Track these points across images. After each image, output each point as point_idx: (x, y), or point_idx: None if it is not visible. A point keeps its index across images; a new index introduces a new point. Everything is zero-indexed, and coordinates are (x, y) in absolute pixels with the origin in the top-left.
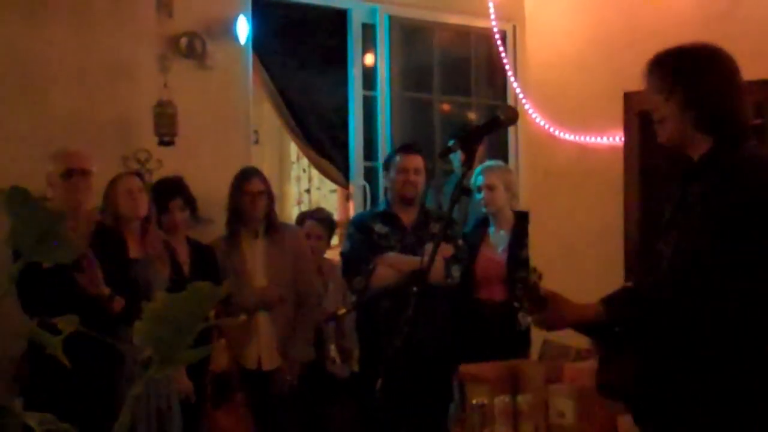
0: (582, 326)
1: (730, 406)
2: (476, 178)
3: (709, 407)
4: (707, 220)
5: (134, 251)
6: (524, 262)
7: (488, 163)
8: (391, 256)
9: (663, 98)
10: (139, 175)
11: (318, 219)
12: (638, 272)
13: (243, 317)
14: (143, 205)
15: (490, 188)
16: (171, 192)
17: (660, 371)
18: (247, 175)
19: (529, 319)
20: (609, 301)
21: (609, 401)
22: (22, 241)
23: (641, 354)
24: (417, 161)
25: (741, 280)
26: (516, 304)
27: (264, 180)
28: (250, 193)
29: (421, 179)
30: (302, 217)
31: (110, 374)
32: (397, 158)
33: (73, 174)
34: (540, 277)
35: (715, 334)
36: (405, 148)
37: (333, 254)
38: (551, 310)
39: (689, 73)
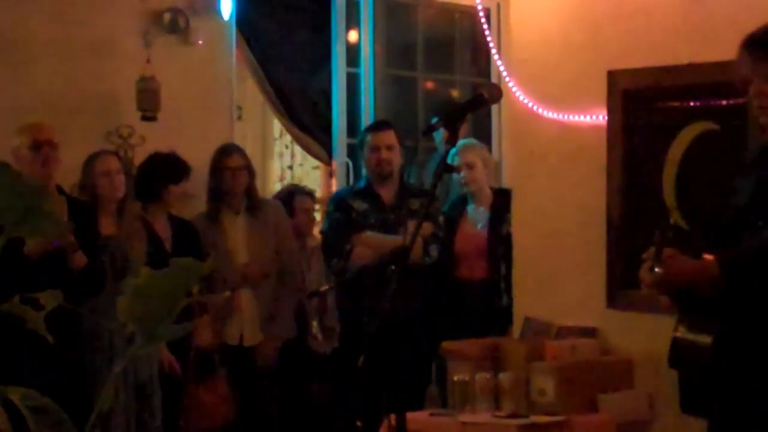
0: (684, 296)
1: None
2: (452, 158)
3: None
4: None
5: (110, 229)
6: (504, 239)
7: (462, 141)
8: (369, 235)
9: None
10: (116, 154)
11: (308, 195)
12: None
13: (227, 294)
14: (120, 185)
15: (470, 167)
16: (186, 167)
17: (744, 346)
18: (227, 151)
19: (649, 276)
20: (725, 258)
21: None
22: (5, 216)
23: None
24: (388, 137)
25: None
26: (649, 254)
27: (244, 156)
28: (230, 169)
29: (395, 155)
30: (288, 193)
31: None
32: (369, 137)
33: (42, 146)
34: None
35: None
36: (375, 125)
37: (314, 230)
38: (669, 266)
39: None
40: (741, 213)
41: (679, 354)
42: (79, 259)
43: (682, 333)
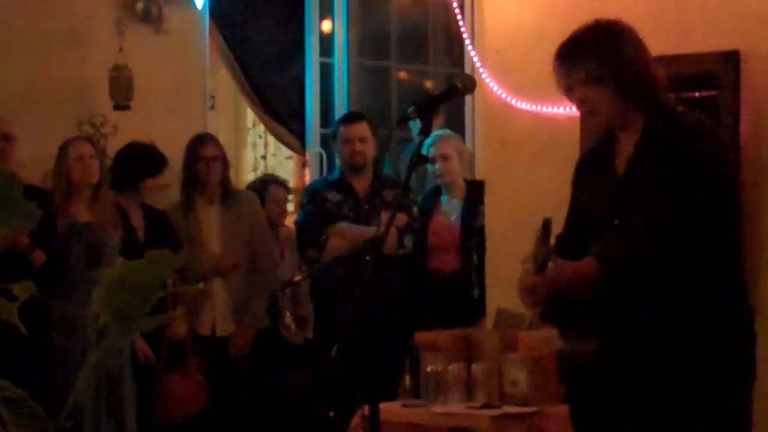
0: (555, 307)
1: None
2: (428, 149)
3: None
4: (672, 190)
5: (84, 215)
6: (478, 231)
7: (438, 132)
8: (344, 226)
9: (591, 87)
10: (89, 140)
11: (281, 185)
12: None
13: (201, 285)
14: (94, 171)
15: (445, 158)
16: (164, 160)
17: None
18: (201, 141)
19: (533, 280)
20: (601, 253)
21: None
22: None
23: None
24: (361, 129)
25: (716, 248)
26: (528, 259)
27: (218, 146)
28: (204, 159)
29: (368, 146)
30: (261, 183)
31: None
32: (341, 129)
33: None
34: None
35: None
36: (347, 118)
37: (288, 221)
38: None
39: (612, 54)
40: (594, 216)
41: (564, 365)
42: (38, 257)
43: (563, 345)
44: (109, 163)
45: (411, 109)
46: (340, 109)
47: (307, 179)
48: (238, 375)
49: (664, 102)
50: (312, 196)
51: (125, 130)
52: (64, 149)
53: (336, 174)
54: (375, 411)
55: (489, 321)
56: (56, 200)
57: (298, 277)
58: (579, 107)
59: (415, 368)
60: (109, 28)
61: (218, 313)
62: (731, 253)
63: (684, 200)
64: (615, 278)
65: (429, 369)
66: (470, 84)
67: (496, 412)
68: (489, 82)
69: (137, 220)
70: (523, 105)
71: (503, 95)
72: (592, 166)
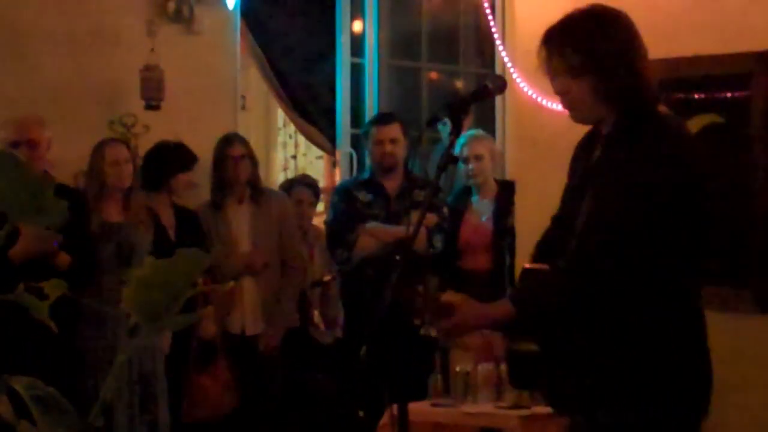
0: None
1: (652, 384)
2: (461, 149)
3: (628, 384)
4: (621, 196)
5: (116, 216)
6: (509, 231)
7: (471, 132)
8: (374, 225)
9: (571, 78)
10: (125, 143)
11: (307, 185)
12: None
13: (231, 284)
14: (128, 175)
15: (478, 158)
16: (193, 156)
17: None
18: (228, 141)
19: (433, 331)
20: (517, 297)
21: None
22: (9, 205)
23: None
24: (392, 131)
25: (657, 257)
26: (417, 321)
27: (246, 145)
28: (232, 158)
29: (399, 147)
30: (290, 184)
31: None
32: (373, 130)
33: (19, 145)
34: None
35: (631, 312)
36: (379, 118)
37: (318, 221)
38: (455, 318)
39: (598, 49)
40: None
41: (514, 365)
42: (62, 260)
43: (510, 345)
44: (139, 162)
45: (441, 109)
46: (370, 109)
47: (337, 179)
48: (267, 374)
49: (645, 102)
50: (342, 195)
51: (156, 130)
52: (99, 151)
53: (366, 174)
54: (404, 410)
55: None
56: (89, 200)
57: (327, 277)
58: (559, 96)
59: (445, 368)
60: (141, 28)
61: (248, 312)
62: (672, 268)
63: (615, 216)
64: (528, 320)
65: (458, 369)
66: (501, 84)
67: (525, 412)
68: (520, 82)
69: (168, 219)
70: (554, 105)
71: (534, 96)
72: (577, 158)
